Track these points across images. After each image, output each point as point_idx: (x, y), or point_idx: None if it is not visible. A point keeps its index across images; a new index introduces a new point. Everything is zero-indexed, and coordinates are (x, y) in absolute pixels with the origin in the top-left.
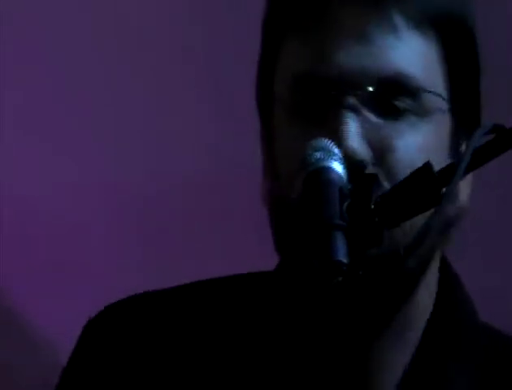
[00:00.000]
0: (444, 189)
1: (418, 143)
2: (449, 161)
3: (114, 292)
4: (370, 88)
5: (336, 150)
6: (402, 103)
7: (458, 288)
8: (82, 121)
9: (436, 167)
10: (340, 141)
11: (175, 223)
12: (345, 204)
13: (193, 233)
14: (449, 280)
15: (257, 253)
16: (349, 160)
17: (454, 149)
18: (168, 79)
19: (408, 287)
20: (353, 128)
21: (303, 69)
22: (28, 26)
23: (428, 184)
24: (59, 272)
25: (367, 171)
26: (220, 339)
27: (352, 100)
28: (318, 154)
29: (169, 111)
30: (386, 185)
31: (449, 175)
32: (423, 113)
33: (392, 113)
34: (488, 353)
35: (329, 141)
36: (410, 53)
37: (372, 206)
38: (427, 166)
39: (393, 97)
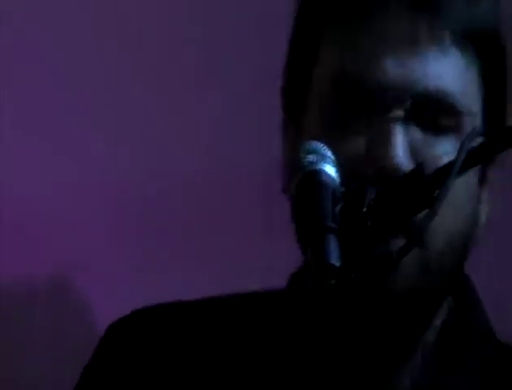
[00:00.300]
0: (436, 192)
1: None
2: (477, 185)
3: (114, 292)
4: (414, 101)
5: (329, 153)
6: (443, 120)
7: (476, 304)
8: (82, 121)
9: (472, 201)
10: (385, 153)
11: (175, 223)
12: (338, 207)
13: (193, 233)
14: (466, 296)
15: (257, 253)
16: (392, 173)
17: (482, 174)
18: (168, 79)
19: (410, 294)
20: (400, 141)
21: (346, 70)
22: (28, 26)
23: (421, 187)
24: (59, 272)
25: None
26: (235, 356)
27: (399, 112)
28: (310, 157)
29: (169, 111)
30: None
31: (442, 177)
32: (461, 134)
33: (433, 130)
34: (503, 373)
35: (321, 144)
36: (453, 69)
37: (365, 209)
38: (419, 168)
39: (437, 114)
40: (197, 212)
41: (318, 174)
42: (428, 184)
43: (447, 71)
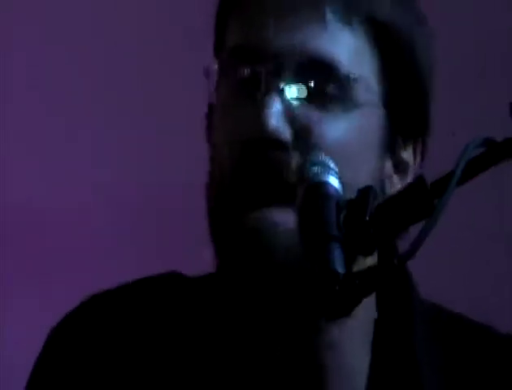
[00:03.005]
0: (436, 201)
1: (339, 134)
2: (382, 157)
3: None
4: (296, 69)
5: (332, 165)
6: (330, 90)
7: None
8: (82, 121)
9: (361, 164)
10: (262, 121)
11: (175, 223)
12: (342, 216)
13: (192, 233)
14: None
15: None
16: (269, 139)
17: (388, 145)
18: (169, 79)
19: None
20: (275, 109)
21: (235, 42)
22: (28, 27)
23: (421, 197)
24: (60, 273)
25: (288, 153)
26: (165, 340)
27: (277, 81)
28: (315, 169)
29: (170, 111)
30: (297, 168)
31: (442, 187)
32: (350, 104)
33: (319, 99)
34: (438, 326)
35: (326, 157)
36: (337, 43)
37: (367, 218)
38: (420, 179)
39: (321, 82)
40: (197, 212)
41: (322, 185)
42: (428, 193)
43: (328, 44)
